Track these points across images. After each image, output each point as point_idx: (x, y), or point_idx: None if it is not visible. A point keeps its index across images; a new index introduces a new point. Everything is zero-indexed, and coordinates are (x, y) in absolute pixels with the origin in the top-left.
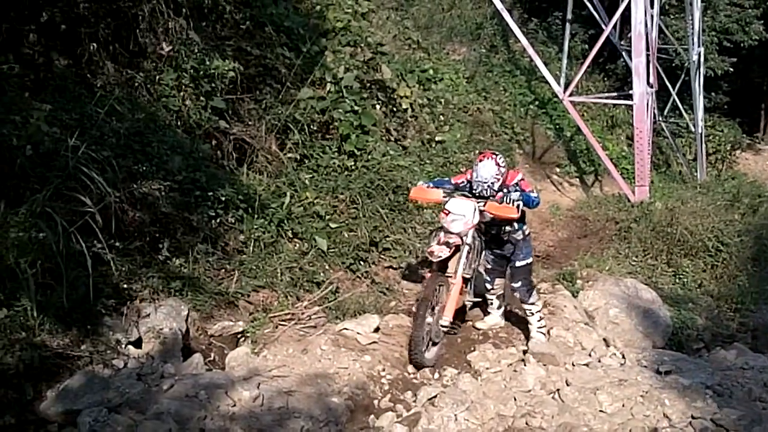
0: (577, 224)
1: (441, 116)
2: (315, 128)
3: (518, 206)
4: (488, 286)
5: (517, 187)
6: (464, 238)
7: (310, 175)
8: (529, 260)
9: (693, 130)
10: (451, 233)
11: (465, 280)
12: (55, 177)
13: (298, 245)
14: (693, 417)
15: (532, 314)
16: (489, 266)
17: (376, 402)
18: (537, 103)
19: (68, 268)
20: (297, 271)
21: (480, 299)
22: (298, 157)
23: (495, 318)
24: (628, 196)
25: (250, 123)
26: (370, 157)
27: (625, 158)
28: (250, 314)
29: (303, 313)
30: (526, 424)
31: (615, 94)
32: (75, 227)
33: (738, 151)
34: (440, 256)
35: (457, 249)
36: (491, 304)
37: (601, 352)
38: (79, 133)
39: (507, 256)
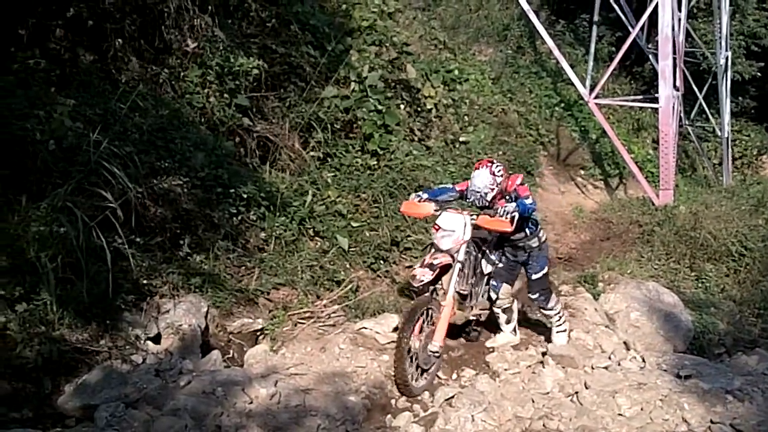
0: (600, 227)
1: (465, 117)
2: (338, 127)
3: (513, 218)
4: (493, 295)
5: (515, 190)
6: (455, 255)
7: (333, 174)
8: (545, 270)
9: (719, 134)
10: (441, 251)
11: (463, 296)
12: (77, 172)
13: (319, 243)
14: (712, 422)
15: (552, 317)
16: (499, 266)
17: (393, 401)
18: (562, 105)
19: (88, 263)
20: (317, 270)
21: (486, 310)
22: (321, 156)
23: (506, 336)
24: (652, 200)
25: (273, 121)
26: (393, 156)
27: (650, 161)
28: (270, 312)
29: (322, 312)
30: (544, 426)
31: (641, 97)
32: (96, 222)
33: (764, 156)
34: (422, 281)
35: (446, 269)
36: (498, 318)
37: (621, 356)
38: (102, 129)
39: (520, 263)
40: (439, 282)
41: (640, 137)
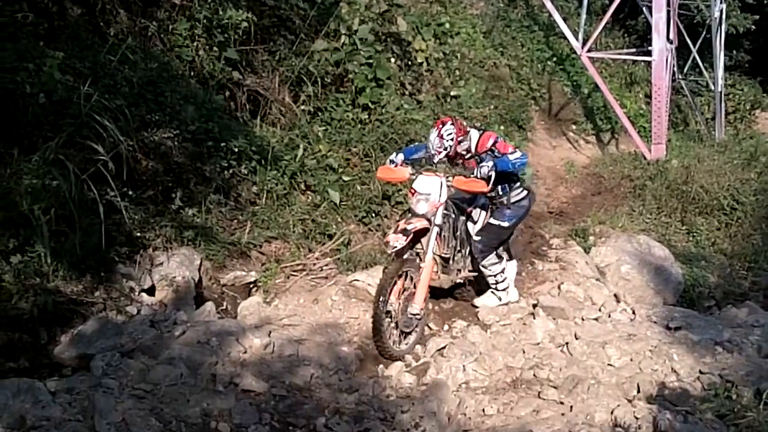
0: (591, 181)
1: (456, 71)
2: (329, 81)
3: (489, 178)
4: (476, 254)
5: (493, 153)
6: (432, 218)
7: (324, 128)
8: (505, 224)
9: (712, 88)
10: (417, 215)
11: (446, 260)
12: (68, 125)
13: (310, 197)
14: (701, 372)
15: (487, 276)
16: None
17: None
18: (554, 59)
19: (81, 215)
20: (309, 223)
21: (476, 273)
22: (312, 110)
23: (489, 299)
24: (644, 154)
25: (263, 74)
26: (384, 110)
27: (642, 116)
28: (263, 264)
29: (314, 264)
30: (534, 375)
31: (634, 50)
32: (88, 175)
33: (757, 110)
34: (395, 247)
35: (424, 232)
36: (487, 279)
37: (612, 308)
38: (92, 82)
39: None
40: (419, 244)
41: (633, 91)
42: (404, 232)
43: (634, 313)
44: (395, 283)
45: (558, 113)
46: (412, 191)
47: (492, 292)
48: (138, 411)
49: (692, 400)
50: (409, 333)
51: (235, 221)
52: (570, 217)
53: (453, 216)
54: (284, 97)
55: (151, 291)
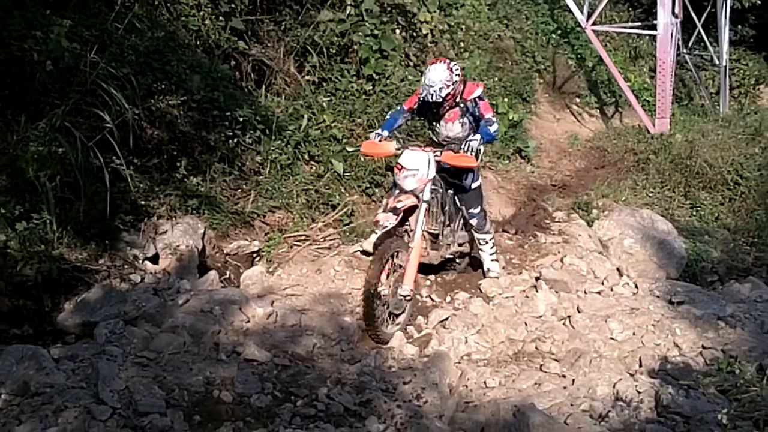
0: (595, 155)
1: (461, 43)
2: (334, 51)
3: (478, 152)
4: (474, 222)
5: (476, 106)
6: (421, 195)
7: (328, 99)
8: (478, 182)
9: (717, 63)
10: (405, 191)
11: (434, 235)
12: (75, 92)
13: (314, 168)
14: (704, 347)
15: (486, 243)
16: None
17: None
18: (559, 31)
19: (87, 183)
20: (313, 194)
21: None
22: (317, 80)
23: (494, 264)
24: (648, 128)
25: (269, 45)
26: (388, 81)
27: (646, 90)
28: (266, 234)
29: (317, 235)
30: (536, 348)
31: (639, 24)
32: (94, 142)
33: (762, 85)
34: (386, 226)
35: (412, 210)
36: (482, 253)
37: (614, 281)
38: (99, 50)
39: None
40: (407, 223)
41: (637, 65)
42: (394, 210)
43: (636, 287)
44: (384, 264)
45: (562, 86)
46: (399, 167)
47: (492, 259)
48: (141, 378)
49: (695, 374)
50: (398, 315)
51: (239, 190)
52: (573, 191)
53: (441, 191)
54: (289, 67)
55: (154, 259)
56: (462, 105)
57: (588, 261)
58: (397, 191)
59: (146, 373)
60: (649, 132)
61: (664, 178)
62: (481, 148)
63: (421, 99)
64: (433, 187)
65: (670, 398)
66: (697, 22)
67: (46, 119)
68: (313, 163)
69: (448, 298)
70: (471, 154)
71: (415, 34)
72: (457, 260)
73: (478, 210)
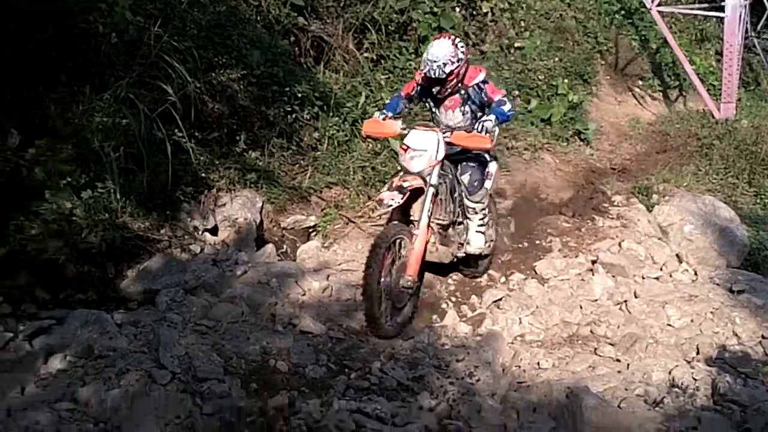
0: (657, 139)
1: (522, 21)
2: (392, 29)
3: (493, 134)
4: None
5: (481, 91)
6: (428, 178)
7: (386, 76)
8: (496, 167)
9: None
10: (411, 173)
11: (444, 227)
12: (139, 65)
13: (371, 145)
14: (763, 336)
15: (476, 213)
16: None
17: (441, 301)
18: (623, 12)
19: (149, 154)
20: (369, 171)
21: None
22: (375, 58)
23: (478, 237)
24: (712, 113)
25: (328, 21)
26: None
27: (712, 74)
28: (322, 210)
29: (373, 212)
30: (591, 332)
31: (706, 5)
32: (156, 114)
33: None
34: (390, 205)
35: (418, 194)
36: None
37: (673, 268)
38: (162, 23)
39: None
40: (412, 210)
41: (703, 48)
42: (400, 189)
43: (696, 274)
44: (386, 252)
45: (624, 68)
46: (405, 147)
47: (477, 231)
48: (200, 345)
49: (754, 363)
50: (401, 308)
51: (297, 166)
52: (633, 175)
53: (450, 176)
54: (348, 44)
55: (214, 231)
56: (463, 92)
57: (647, 246)
58: (402, 173)
59: (205, 340)
60: (713, 117)
61: (728, 165)
62: (496, 129)
63: (422, 81)
64: (441, 171)
65: (727, 386)
66: (766, 4)
67: (110, 91)
68: (369, 140)
69: (503, 279)
70: (486, 135)
71: (474, 13)
72: (478, 262)
73: (470, 173)
